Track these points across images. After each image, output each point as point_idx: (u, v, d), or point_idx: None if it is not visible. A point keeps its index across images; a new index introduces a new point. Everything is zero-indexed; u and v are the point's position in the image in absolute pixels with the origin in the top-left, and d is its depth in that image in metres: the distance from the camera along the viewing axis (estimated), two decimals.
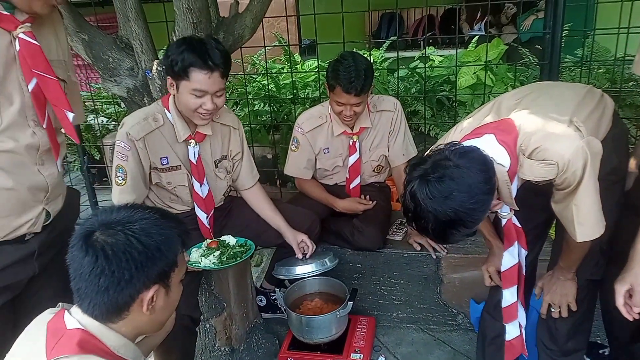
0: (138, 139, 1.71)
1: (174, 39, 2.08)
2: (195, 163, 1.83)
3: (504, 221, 1.41)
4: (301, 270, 1.97)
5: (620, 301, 1.32)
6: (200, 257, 1.76)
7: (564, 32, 2.67)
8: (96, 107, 3.51)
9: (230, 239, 1.82)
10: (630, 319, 1.32)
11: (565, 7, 2.34)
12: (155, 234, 0.93)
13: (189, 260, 1.74)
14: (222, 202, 2.00)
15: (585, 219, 1.30)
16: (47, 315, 0.97)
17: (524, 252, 1.48)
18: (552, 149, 1.24)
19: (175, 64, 1.63)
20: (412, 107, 3.01)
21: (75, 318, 0.93)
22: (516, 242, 1.45)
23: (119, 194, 1.74)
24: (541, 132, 1.27)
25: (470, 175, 1.16)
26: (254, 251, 1.86)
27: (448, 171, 1.16)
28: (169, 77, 1.70)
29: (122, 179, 1.72)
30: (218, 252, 1.75)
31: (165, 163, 1.79)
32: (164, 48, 2.52)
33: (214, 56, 1.63)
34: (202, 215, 1.90)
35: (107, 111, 3.57)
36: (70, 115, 1.28)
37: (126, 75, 2.31)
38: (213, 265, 1.71)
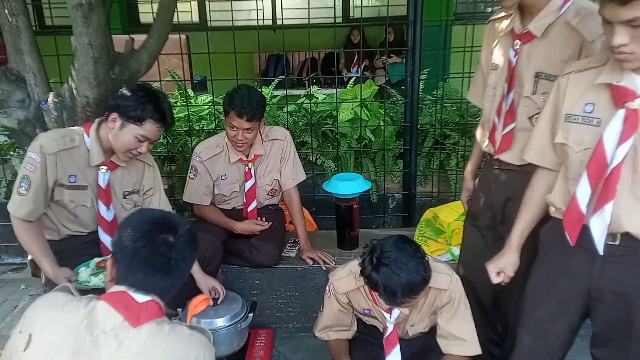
0: (51, 153, 1.79)
1: (73, 73, 2.17)
2: (104, 188, 1.91)
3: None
4: (216, 323, 2.08)
5: (493, 279, 1.59)
6: (89, 276, 1.80)
7: (423, 76, 3.20)
8: None
9: None
10: (495, 282, 1.60)
11: (421, 56, 2.84)
12: None
13: (77, 280, 1.78)
14: None
15: None
16: (61, 295, 1.13)
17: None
18: None
19: (133, 109, 1.78)
20: (301, 138, 3.32)
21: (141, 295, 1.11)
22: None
23: (18, 204, 1.78)
24: None
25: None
26: None
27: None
28: (115, 113, 1.82)
29: (25, 190, 1.77)
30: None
31: (72, 181, 1.87)
32: (59, 80, 2.57)
33: (169, 115, 1.85)
34: (105, 239, 1.96)
35: None
36: None
37: (17, 107, 2.33)
38: (103, 284, 1.73)
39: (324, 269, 2.45)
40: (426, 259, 1.58)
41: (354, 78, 3.83)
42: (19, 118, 2.31)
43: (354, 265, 1.75)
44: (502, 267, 1.58)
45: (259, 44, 3.02)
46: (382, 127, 3.22)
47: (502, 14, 1.75)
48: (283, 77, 3.88)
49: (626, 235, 1.29)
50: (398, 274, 1.49)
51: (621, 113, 1.21)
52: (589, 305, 1.43)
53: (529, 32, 1.57)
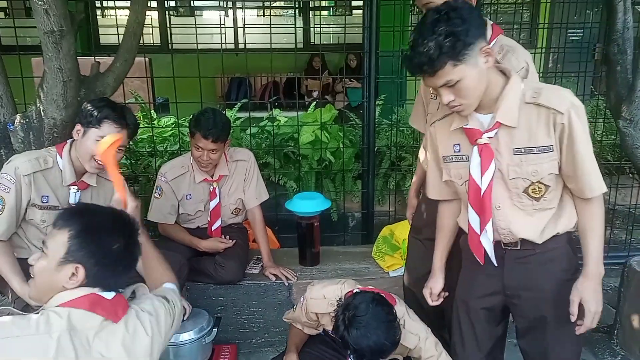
0: (25, 174, 1.85)
1: (41, 95, 2.22)
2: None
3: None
4: (182, 337, 2.12)
5: (427, 297, 1.79)
6: None
7: (380, 101, 3.40)
8: None
9: None
10: (432, 304, 1.79)
11: (378, 83, 3.03)
12: None
13: None
14: None
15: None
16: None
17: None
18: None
19: (91, 114, 1.85)
20: (264, 159, 3.43)
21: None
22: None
23: None
24: None
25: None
26: None
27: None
28: (78, 124, 1.90)
29: (0, 210, 1.81)
30: None
31: (45, 201, 1.91)
32: (24, 102, 2.59)
33: (128, 116, 1.91)
34: None
35: None
36: None
37: None
38: None
39: (286, 284, 2.54)
40: (397, 322, 1.68)
41: (315, 102, 3.99)
42: None
43: (330, 292, 1.86)
44: (431, 287, 1.78)
45: (222, 67, 3.12)
46: (342, 149, 3.37)
47: None
48: (246, 100, 4.00)
49: (523, 240, 1.50)
50: (368, 338, 1.58)
51: (476, 149, 1.45)
52: (506, 302, 1.62)
53: None
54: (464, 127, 1.47)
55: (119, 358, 1.15)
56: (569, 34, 4.68)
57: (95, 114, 1.86)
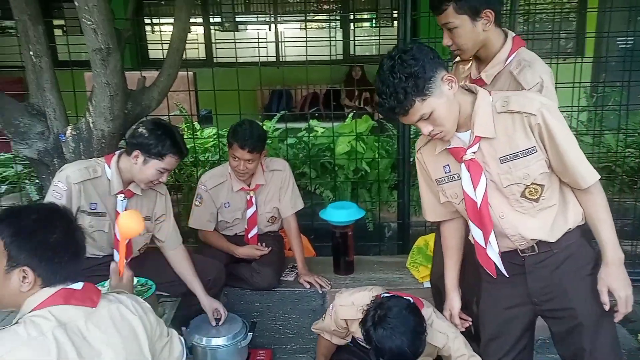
0: (76, 182, 1.99)
1: (90, 108, 2.37)
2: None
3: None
4: (216, 342, 2.21)
5: (450, 319, 1.80)
6: None
7: None
8: None
9: None
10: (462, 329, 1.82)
11: None
12: None
13: None
14: (139, 254, 2.25)
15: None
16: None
17: None
18: None
19: (154, 147, 1.98)
20: (300, 169, 3.50)
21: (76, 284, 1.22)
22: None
23: None
24: None
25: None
26: (155, 291, 2.00)
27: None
28: (137, 150, 2.00)
29: None
30: None
31: (93, 208, 2.05)
32: (74, 114, 2.76)
33: (184, 147, 2.07)
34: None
35: (1, 176, 3.58)
36: None
37: (37, 139, 2.52)
38: None
39: (320, 292, 2.58)
40: (424, 336, 1.69)
41: (352, 112, 4.04)
42: (38, 149, 2.51)
43: (359, 298, 1.89)
44: (450, 309, 1.79)
45: (261, 80, 3.22)
46: (377, 160, 3.39)
47: None
48: (284, 112, 4.09)
49: (539, 243, 1.52)
50: (392, 340, 1.61)
51: (464, 165, 1.51)
52: (535, 311, 1.60)
53: (481, 79, 1.78)
54: (448, 147, 1.53)
55: (116, 337, 1.18)
56: (618, 42, 4.52)
57: (159, 148, 1.99)
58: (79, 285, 1.21)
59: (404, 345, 1.61)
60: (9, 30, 7.32)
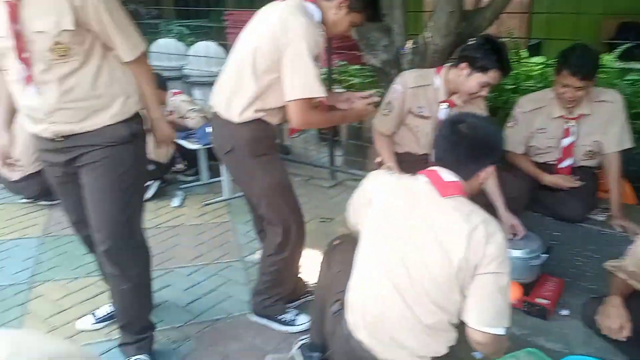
0: (410, 87, 2.35)
1: (430, 24, 2.65)
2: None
3: None
4: (514, 254, 2.19)
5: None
6: None
7: None
8: (341, 78, 4.29)
9: None
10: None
11: None
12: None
13: None
14: None
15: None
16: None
17: None
18: None
19: (480, 60, 2.16)
20: (637, 109, 3.05)
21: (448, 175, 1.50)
22: None
23: (381, 121, 2.43)
24: None
25: None
26: None
27: None
28: (465, 62, 2.22)
29: (388, 112, 2.40)
30: None
31: (419, 111, 2.39)
32: (414, 33, 3.11)
33: (508, 65, 2.18)
34: None
35: (349, 83, 4.33)
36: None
37: (382, 51, 2.98)
38: None
39: (631, 238, 2.32)
40: None
41: None
42: (382, 59, 2.98)
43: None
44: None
45: (607, 8, 2.86)
46: None
47: None
48: (630, 43, 3.54)
49: None
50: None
51: None
52: None
53: None
54: None
55: None
56: None
57: (485, 62, 2.14)
58: (448, 178, 1.49)
59: None
60: None
